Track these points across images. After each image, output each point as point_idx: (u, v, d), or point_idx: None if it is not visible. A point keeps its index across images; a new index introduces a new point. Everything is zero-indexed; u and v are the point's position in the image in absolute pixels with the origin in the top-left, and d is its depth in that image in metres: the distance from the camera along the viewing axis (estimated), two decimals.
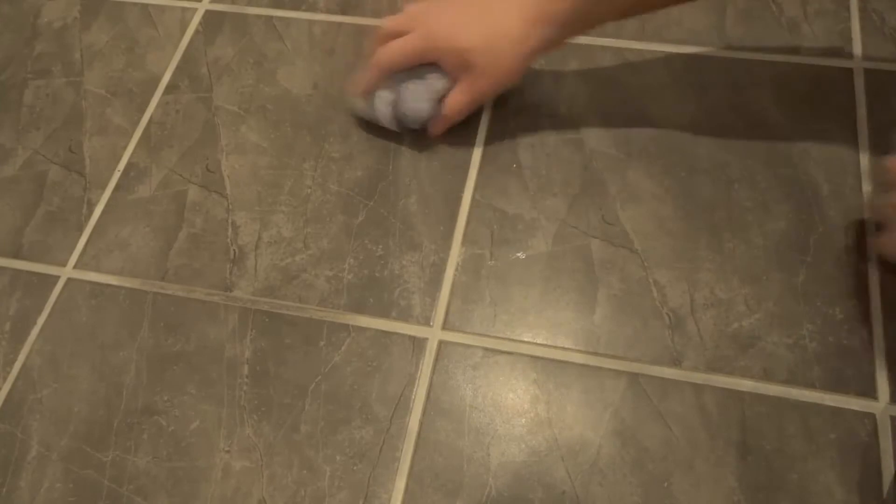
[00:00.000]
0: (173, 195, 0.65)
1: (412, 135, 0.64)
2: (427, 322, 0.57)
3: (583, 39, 0.68)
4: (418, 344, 0.56)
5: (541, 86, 0.66)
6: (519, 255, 0.58)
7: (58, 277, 0.62)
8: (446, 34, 0.59)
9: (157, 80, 0.72)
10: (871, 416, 0.50)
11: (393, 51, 0.60)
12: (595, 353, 0.54)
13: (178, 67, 0.72)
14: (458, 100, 0.60)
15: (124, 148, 0.68)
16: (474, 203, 0.61)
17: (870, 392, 0.51)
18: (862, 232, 0.56)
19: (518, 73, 0.60)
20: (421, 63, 0.60)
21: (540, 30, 0.57)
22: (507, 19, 0.57)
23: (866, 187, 0.58)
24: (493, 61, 0.58)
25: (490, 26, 0.58)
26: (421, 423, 0.53)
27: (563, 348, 0.55)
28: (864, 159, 0.59)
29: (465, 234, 0.60)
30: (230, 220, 0.63)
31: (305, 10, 0.74)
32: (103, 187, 0.66)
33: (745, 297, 0.55)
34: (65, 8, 0.79)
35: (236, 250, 0.62)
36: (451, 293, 0.58)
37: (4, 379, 0.58)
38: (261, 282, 0.60)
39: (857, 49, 0.65)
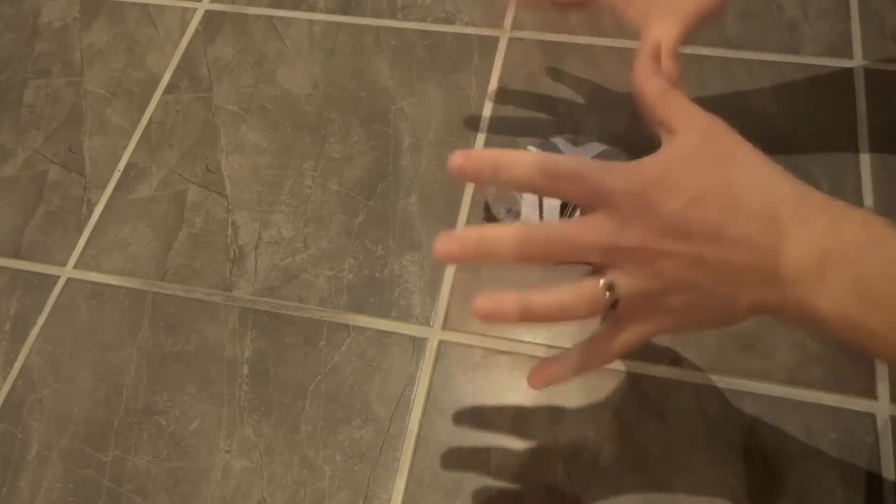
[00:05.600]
0: (173, 195, 0.65)
1: None
2: (427, 322, 0.57)
3: (583, 39, 0.68)
4: (418, 344, 0.56)
5: (541, 86, 0.66)
6: None
7: (58, 277, 0.62)
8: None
9: (157, 80, 0.72)
10: (871, 416, 0.50)
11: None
12: None
13: (178, 67, 0.72)
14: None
15: (124, 148, 0.68)
16: (474, 203, 0.61)
17: (870, 392, 0.51)
18: None
19: None
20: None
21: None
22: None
23: (866, 188, 0.58)
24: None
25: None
26: (421, 423, 0.53)
27: (564, 348, 0.55)
28: (865, 159, 0.59)
29: None
30: (230, 220, 0.63)
31: (305, 10, 0.74)
32: (103, 187, 0.66)
33: None
34: (65, 8, 0.78)
35: (236, 250, 0.62)
36: (451, 293, 0.58)
37: (4, 379, 0.58)
38: (261, 282, 0.60)
39: (857, 49, 0.65)
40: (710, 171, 0.36)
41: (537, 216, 0.54)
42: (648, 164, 0.37)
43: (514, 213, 0.55)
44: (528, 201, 0.54)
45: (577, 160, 0.37)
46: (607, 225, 0.35)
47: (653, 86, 0.40)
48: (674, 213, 0.35)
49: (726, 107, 0.63)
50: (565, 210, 0.53)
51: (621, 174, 0.36)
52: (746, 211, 0.35)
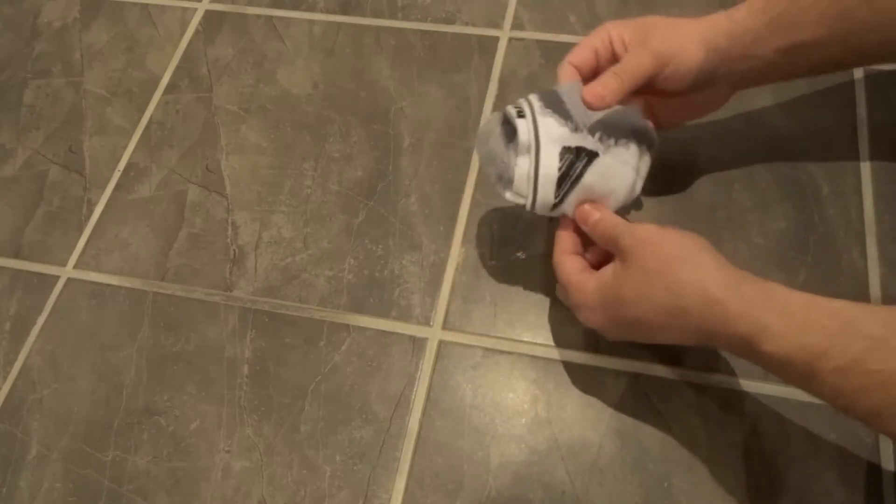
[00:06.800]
0: (173, 195, 0.65)
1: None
2: (427, 322, 0.57)
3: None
4: (418, 344, 0.56)
5: (541, 85, 0.66)
6: (519, 254, 0.58)
7: (58, 277, 0.62)
8: None
9: (157, 80, 0.72)
10: None
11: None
12: (595, 353, 0.54)
13: (178, 67, 0.72)
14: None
15: (124, 148, 0.68)
16: (474, 203, 0.61)
17: None
18: (862, 231, 0.56)
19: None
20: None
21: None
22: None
23: (866, 189, 0.58)
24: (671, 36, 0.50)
25: None
26: (421, 423, 0.53)
27: (563, 348, 0.55)
28: (865, 160, 0.59)
29: (465, 234, 0.60)
30: (230, 220, 0.63)
31: (305, 10, 0.75)
32: (103, 187, 0.66)
33: None
34: (65, 8, 0.79)
35: (236, 250, 0.62)
36: (451, 293, 0.58)
37: (4, 379, 0.58)
38: (261, 282, 0.60)
39: None
40: (638, 282, 0.45)
41: (531, 187, 0.50)
42: (598, 290, 0.47)
43: (507, 181, 0.51)
44: (521, 168, 0.50)
45: (561, 281, 0.50)
46: (583, 315, 0.49)
47: (590, 223, 0.49)
48: (615, 317, 0.47)
49: (726, 107, 0.63)
50: (563, 183, 0.49)
51: (587, 304, 0.48)
52: (664, 307, 0.44)
